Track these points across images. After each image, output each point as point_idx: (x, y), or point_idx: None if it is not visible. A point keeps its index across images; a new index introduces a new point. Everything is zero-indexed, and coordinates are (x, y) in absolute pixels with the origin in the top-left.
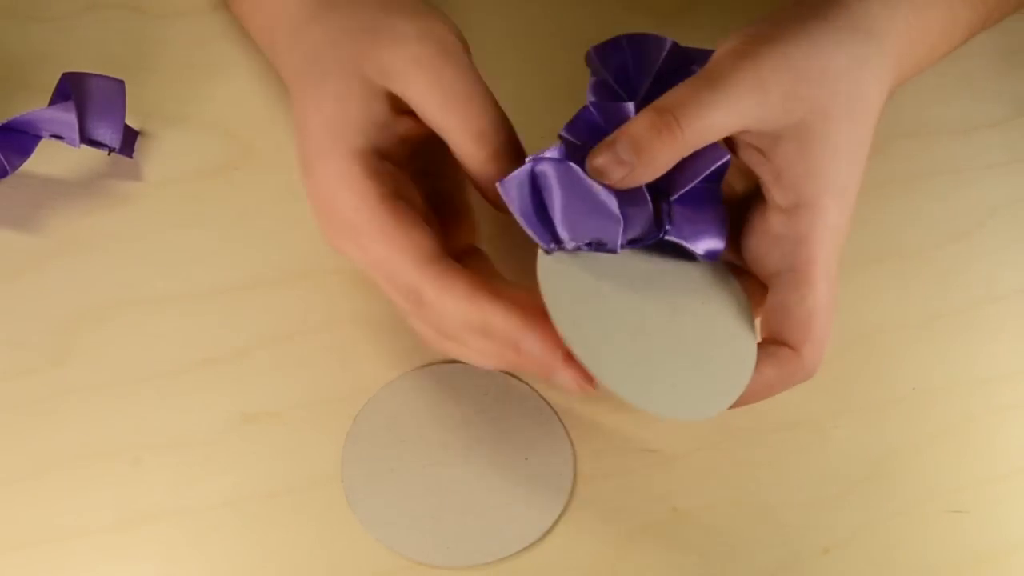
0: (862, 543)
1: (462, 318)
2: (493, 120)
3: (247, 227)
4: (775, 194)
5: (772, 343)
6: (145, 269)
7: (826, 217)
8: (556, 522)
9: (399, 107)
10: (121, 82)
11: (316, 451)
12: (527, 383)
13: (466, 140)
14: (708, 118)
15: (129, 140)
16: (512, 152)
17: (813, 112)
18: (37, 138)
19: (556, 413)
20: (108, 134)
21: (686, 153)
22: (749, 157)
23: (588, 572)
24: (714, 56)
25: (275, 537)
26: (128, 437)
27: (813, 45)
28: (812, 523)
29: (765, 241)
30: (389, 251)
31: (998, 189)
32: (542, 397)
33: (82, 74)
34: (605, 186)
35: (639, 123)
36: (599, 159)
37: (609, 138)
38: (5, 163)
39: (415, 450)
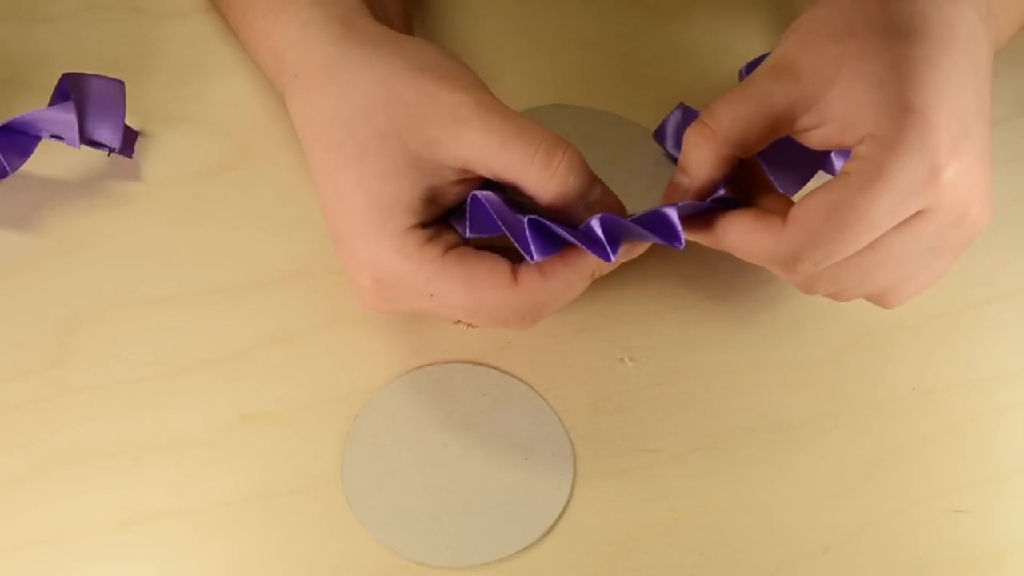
0: (862, 543)
1: (569, 292)
2: (549, 140)
3: (247, 227)
4: (852, 142)
5: (772, 211)
6: (145, 269)
7: (893, 139)
8: (556, 522)
9: (450, 178)
10: (121, 82)
11: (316, 451)
12: (527, 383)
13: (532, 170)
14: (739, 112)
15: (129, 140)
16: (574, 163)
17: (847, 61)
18: (37, 138)
19: (556, 413)
20: (108, 134)
21: (726, 150)
22: (816, 138)
23: (588, 572)
24: None
25: (275, 537)
26: (128, 437)
27: (835, 8)
28: (812, 523)
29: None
30: (482, 296)
31: (998, 188)
32: (542, 397)
33: (82, 74)
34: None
35: (684, 141)
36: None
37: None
38: (5, 163)
39: (415, 450)
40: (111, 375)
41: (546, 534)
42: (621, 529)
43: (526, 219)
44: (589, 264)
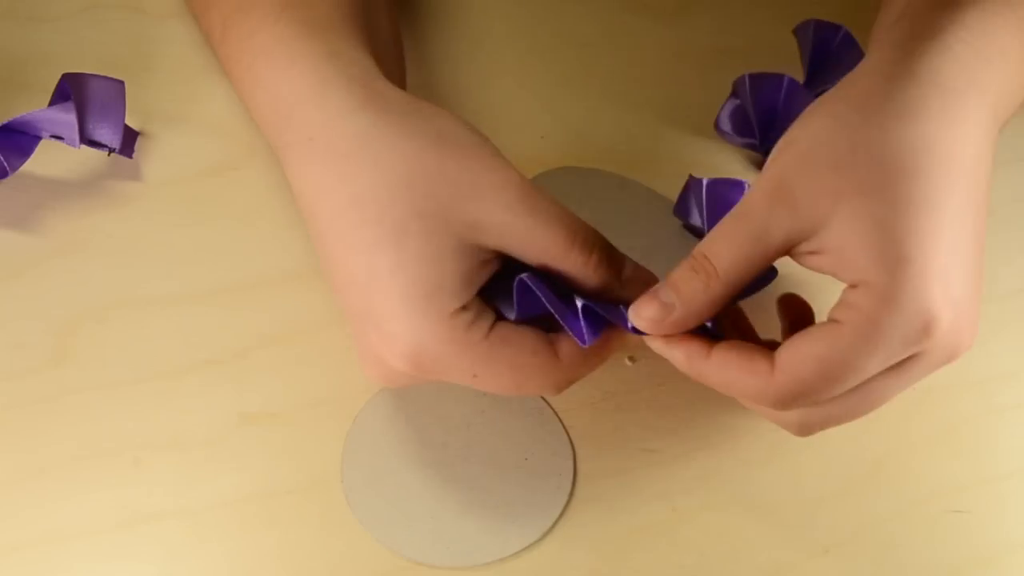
0: (862, 543)
1: (601, 362)
2: (584, 228)
3: (247, 227)
4: (842, 279)
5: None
6: (145, 269)
7: (888, 292)
8: (556, 522)
9: (483, 258)
10: (121, 82)
11: (316, 451)
12: None
13: (569, 259)
14: (737, 252)
15: (129, 140)
16: (607, 249)
17: (849, 194)
18: (37, 138)
19: (556, 413)
20: (108, 134)
21: (725, 291)
22: (809, 262)
23: (588, 572)
24: (754, 184)
25: (275, 537)
26: (128, 437)
27: (838, 129)
28: (812, 523)
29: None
30: (527, 376)
31: (999, 189)
32: (542, 397)
33: (82, 74)
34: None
35: (678, 270)
36: (643, 309)
37: (651, 290)
38: (5, 163)
39: (415, 450)
40: (111, 375)
41: (546, 534)
42: (621, 529)
43: (580, 306)
44: (627, 340)
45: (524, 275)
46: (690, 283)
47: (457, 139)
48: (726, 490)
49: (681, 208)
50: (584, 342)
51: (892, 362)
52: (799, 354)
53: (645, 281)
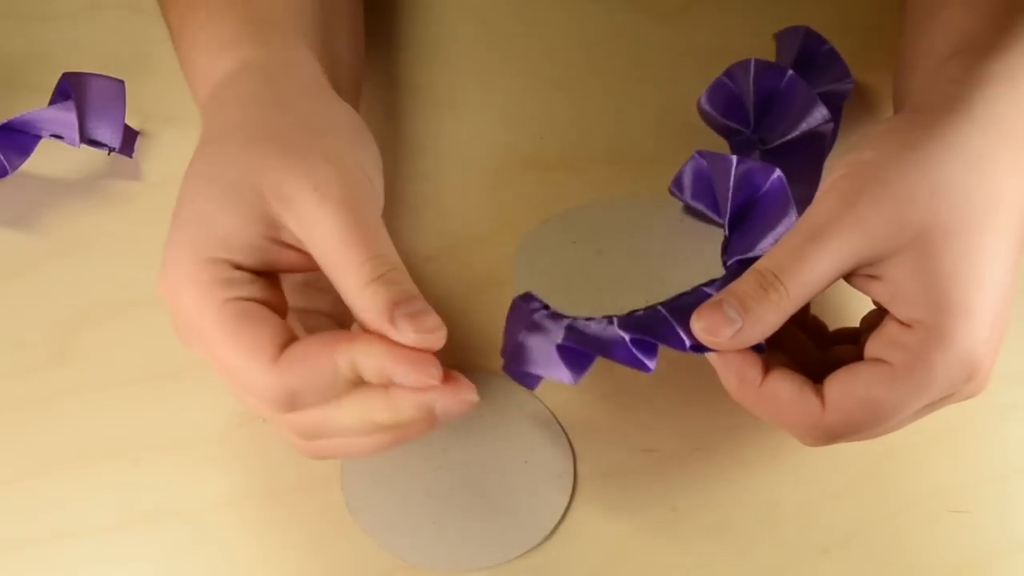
0: (862, 543)
1: (325, 382)
2: (385, 263)
3: None
4: (893, 312)
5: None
6: (145, 269)
7: (945, 340)
8: (557, 524)
9: (278, 238)
10: (121, 82)
11: None
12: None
13: (352, 280)
14: (810, 273)
15: (129, 140)
16: (393, 283)
17: (923, 232)
18: (37, 138)
19: (555, 416)
20: (108, 134)
21: (793, 310)
22: (862, 284)
23: (588, 572)
24: (816, 197)
25: (275, 538)
26: (128, 437)
27: (919, 161)
28: (811, 523)
29: (881, 336)
30: (235, 353)
31: None
32: (541, 400)
33: (82, 74)
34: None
35: (745, 283)
36: (705, 319)
37: (714, 299)
38: (5, 163)
39: (415, 454)
40: (111, 375)
41: (547, 537)
42: (621, 529)
43: (628, 339)
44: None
45: (561, 339)
46: (760, 302)
47: (322, 130)
48: (726, 490)
49: (679, 185)
50: (648, 370)
51: (930, 401)
52: (852, 395)
53: (429, 327)
